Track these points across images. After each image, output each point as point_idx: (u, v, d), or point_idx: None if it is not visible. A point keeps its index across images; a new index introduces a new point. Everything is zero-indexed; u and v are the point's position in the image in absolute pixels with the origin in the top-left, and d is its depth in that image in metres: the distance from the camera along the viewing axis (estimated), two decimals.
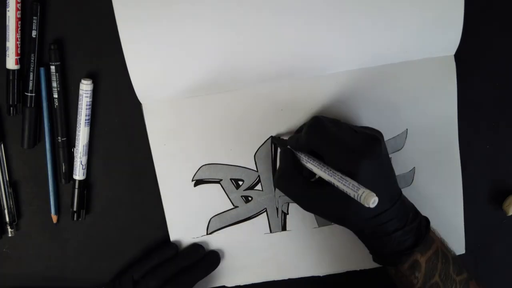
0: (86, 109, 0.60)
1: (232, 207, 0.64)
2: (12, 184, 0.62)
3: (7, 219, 0.62)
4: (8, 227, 0.62)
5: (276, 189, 0.63)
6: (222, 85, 0.60)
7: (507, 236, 0.67)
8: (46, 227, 0.63)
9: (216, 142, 0.62)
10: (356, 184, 0.48)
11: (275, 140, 0.62)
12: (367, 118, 0.62)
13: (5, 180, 0.62)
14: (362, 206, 0.47)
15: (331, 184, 0.51)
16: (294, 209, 0.64)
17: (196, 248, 0.63)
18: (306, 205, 0.55)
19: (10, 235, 0.62)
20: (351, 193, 0.48)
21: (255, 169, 0.63)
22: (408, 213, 0.55)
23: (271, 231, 0.64)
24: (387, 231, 0.53)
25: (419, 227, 0.55)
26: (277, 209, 0.64)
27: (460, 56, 0.62)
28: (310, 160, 0.54)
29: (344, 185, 0.49)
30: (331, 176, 0.51)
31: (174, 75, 0.59)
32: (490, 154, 0.65)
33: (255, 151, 0.62)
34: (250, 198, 0.64)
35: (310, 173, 0.56)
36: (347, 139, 0.53)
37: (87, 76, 0.60)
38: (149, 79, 0.59)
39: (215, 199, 0.63)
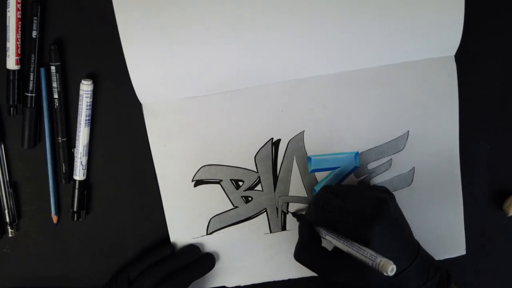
0: (87, 109, 0.60)
1: (232, 207, 0.64)
2: (12, 184, 0.62)
3: (7, 219, 0.62)
4: (8, 227, 0.62)
5: (276, 189, 0.63)
6: (223, 86, 0.60)
7: (508, 236, 0.67)
8: (46, 227, 0.63)
9: (216, 143, 0.62)
10: (373, 253, 0.48)
11: (294, 215, 0.62)
12: (368, 119, 0.62)
13: (5, 180, 0.62)
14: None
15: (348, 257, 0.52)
16: (294, 209, 0.64)
17: (192, 248, 0.63)
18: (327, 277, 0.55)
19: (10, 235, 0.62)
20: (369, 262, 0.48)
21: (255, 170, 0.63)
22: (428, 267, 0.55)
23: (271, 231, 0.64)
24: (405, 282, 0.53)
25: (441, 282, 0.55)
26: (277, 209, 0.64)
27: (461, 56, 0.62)
28: (328, 233, 0.55)
29: (361, 255, 0.49)
30: (348, 247, 0.51)
31: (174, 76, 0.59)
32: (490, 154, 0.65)
33: (255, 152, 0.62)
34: (250, 199, 0.64)
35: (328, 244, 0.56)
36: (355, 208, 0.54)
37: (87, 77, 0.60)
38: (149, 79, 0.59)
39: (215, 199, 0.63)
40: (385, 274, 0.46)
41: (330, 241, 0.54)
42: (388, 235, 0.52)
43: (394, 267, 0.46)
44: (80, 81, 0.59)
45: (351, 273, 0.53)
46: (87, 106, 0.60)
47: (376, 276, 0.52)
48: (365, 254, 0.49)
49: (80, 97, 0.60)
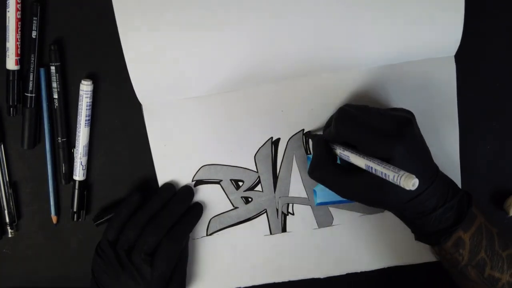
0: (86, 109, 0.60)
1: (232, 208, 0.63)
2: (12, 185, 0.62)
3: (7, 220, 0.62)
4: (8, 228, 0.62)
5: (276, 190, 0.63)
6: (222, 86, 0.60)
7: (508, 236, 0.67)
8: (46, 227, 0.63)
9: (216, 143, 0.62)
10: (395, 168, 0.48)
11: (309, 136, 0.61)
12: None
13: (5, 181, 0.62)
14: (401, 188, 0.46)
15: (366, 170, 0.51)
16: (295, 210, 0.64)
17: (167, 186, 0.61)
18: (343, 192, 0.55)
19: (10, 235, 0.62)
20: (391, 176, 0.47)
21: (255, 170, 0.63)
22: (447, 189, 0.54)
23: (271, 233, 0.64)
24: (427, 210, 0.53)
25: (461, 203, 0.54)
26: (277, 210, 0.64)
27: (461, 56, 0.62)
28: (345, 149, 0.54)
29: (384, 168, 0.48)
30: (369, 161, 0.50)
31: (174, 76, 0.59)
32: (490, 154, 0.65)
33: (255, 152, 0.62)
34: (250, 199, 0.63)
35: (342, 163, 0.56)
36: (378, 125, 0.52)
37: (87, 77, 0.60)
38: (149, 79, 0.59)
39: (215, 199, 0.63)
40: (407, 188, 0.46)
41: (346, 157, 0.53)
42: (409, 155, 0.51)
43: (417, 181, 0.45)
44: (80, 81, 0.59)
45: (369, 189, 0.52)
46: (87, 106, 0.60)
47: (394, 195, 0.52)
48: (387, 168, 0.48)
49: (80, 97, 0.60)
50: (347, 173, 0.54)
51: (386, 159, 0.50)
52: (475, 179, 0.65)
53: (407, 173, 0.46)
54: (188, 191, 0.62)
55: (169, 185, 0.62)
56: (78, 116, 0.60)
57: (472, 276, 0.55)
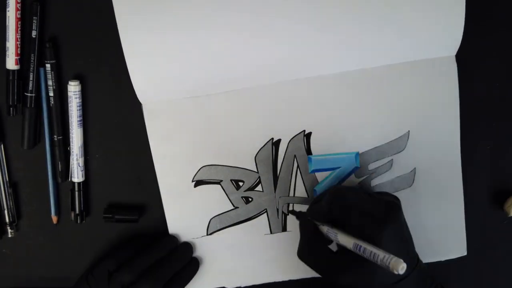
0: (77, 110, 0.59)
1: (232, 208, 0.63)
2: (12, 185, 0.62)
3: (7, 220, 0.62)
4: (8, 228, 0.62)
5: (277, 189, 0.63)
6: (223, 86, 0.60)
7: (508, 237, 0.67)
8: (45, 227, 0.63)
9: (217, 143, 0.62)
10: (383, 251, 0.48)
11: (293, 213, 0.61)
12: (368, 119, 0.62)
13: (5, 181, 0.62)
14: (385, 274, 0.48)
15: (353, 253, 0.51)
16: (295, 209, 0.64)
17: (170, 238, 0.63)
18: (332, 277, 0.54)
19: (9, 235, 0.62)
20: (381, 256, 0.48)
21: (256, 170, 0.63)
22: (425, 278, 0.55)
23: (271, 232, 0.64)
24: None
25: None
26: (277, 210, 0.64)
27: (461, 56, 0.61)
28: (334, 230, 0.54)
29: (374, 248, 0.49)
30: (358, 241, 0.51)
31: (175, 75, 0.58)
32: (491, 155, 0.65)
33: (255, 153, 0.62)
34: (250, 199, 0.63)
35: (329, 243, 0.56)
36: (368, 207, 0.54)
37: (75, 77, 0.60)
38: (149, 79, 0.58)
39: (215, 199, 0.63)
40: (395, 272, 0.46)
41: (335, 238, 0.54)
42: (397, 239, 0.53)
43: (405, 265, 0.46)
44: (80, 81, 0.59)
45: (357, 273, 0.53)
46: (77, 106, 0.59)
47: (379, 279, 0.52)
48: (375, 251, 0.49)
49: (70, 99, 0.59)
50: (335, 256, 0.54)
51: (374, 242, 0.51)
52: (475, 179, 0.65)
53: (396, 257, 0.47)
54: (188, 248, 0.63)
55: (173, 238, 0.63)
56: (70, 118, 0.60)
57: None
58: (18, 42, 0.58)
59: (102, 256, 0.62)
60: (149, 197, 0.63)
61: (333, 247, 0.55)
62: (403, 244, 0.54)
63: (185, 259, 0.63)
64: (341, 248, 0.54)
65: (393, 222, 0.53)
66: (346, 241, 0.52)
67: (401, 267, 0.46)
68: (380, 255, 0.48)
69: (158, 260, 0.61)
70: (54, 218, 0.63)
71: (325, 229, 0.55)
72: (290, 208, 0.64)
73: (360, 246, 0.50)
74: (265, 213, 0.64)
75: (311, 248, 0.56)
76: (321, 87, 0.61)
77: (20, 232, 0.63)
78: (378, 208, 0.54)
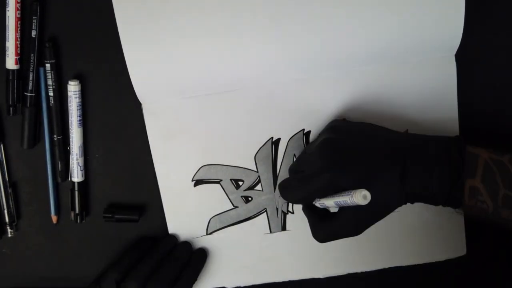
0: (77, 109, 0.59)
1: (232, 207, 0.63)
2: (12, 184, 0.62)
3: (7, 220, 0.62)
4: (8, 228, 0.62)
5: (276, 189, 0.63)
6: (222, 86, 0.60)
7: (508, 236, 0.67)
8: (45, 227, 0.63)
9: (216, 143, 0.62)
10: (346, 192, 0.48)
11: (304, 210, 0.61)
12: (367, 119, 0.62)
13: (5, 180, 0.62)
14: (389, 189, 0.46)
15: (341, 208, 0.52)
16: (294, 209, 0.64)
17: (170, 239, 0.63)
18: (351, 232, 0.54)
19: (9, 235, 0.62)
20: (347, 201, 0.48)
21: (255, 170, 0.63)
22: (425, 153, 0.51)
23: (271, 231, 0.64)
24: (421, 188, 0.51)
25: (449, 154, 0.51)
26: (277, 209, 0.64)
27: (461, 56, 0.61)
28: (318, 200, 0.55)
29: (338, 197, 0.50)
30: (328, 199, 0.52)
31: (174, 75, 0.58)
32: None
33: (255, 152, 0.62)
34: (250, 198, 0.63)
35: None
36: (311, 168, 0.53)
37: (75, 77, 0.60)
38: (149, 79, 0.58)
39: (215, 199, 0.63)
40: (362, 203, 0.45)
41: (323, 205, 0.55)
42: (346, 164, 0.50)
43: (367, 193, 0.45)
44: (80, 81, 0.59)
45: (365, 212, 0.51)
46: (77, 106, 0.59)
47: (390, 198, 0.51)
48: (340, 195, 0.49)
49: (69, 99, 0.59)
50: (341, 216, 0.53)
51: (339, 187, 0.50)
52: None
53: (354, 191, 0.46)
54: (187, 244, 0.63)
55: (172, 237, 0.63)
56: (70, 118, 0.60)
57: (509, 217, 0.51)
58: (18, 42, 0.58)
59: (107, 266, 0.62)
60: (149, 197, 0.63)
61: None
62: (361, 157, 0.51)
63: (185, 254, 0.62)
64: (340, 209, 0.53)
65: (329, 161, 0.50)
66: (329, 203, 0.53)
67: (362, 196, 0.45)
68: (345, 198, 0.47)
69: (160, 261, 0.61)
70: (54, 218, 0.63)
71: (316, 203, 0.56)
72: (291, 210, 0.64)
73: (335, 201, 0.50)
74: (265, 213, 0.64)
75: (320, 224, 0.55)
76: (321, 87, 0.61)
77: (20, 232, 0.63)
78: (315, 146, 0.54)
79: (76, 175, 0.61)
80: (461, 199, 0.51)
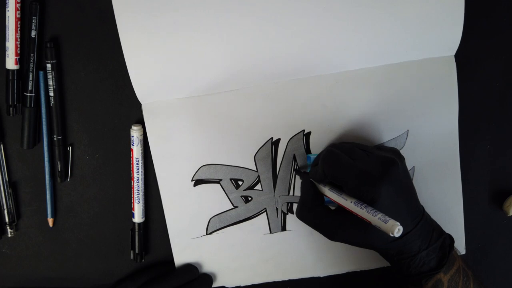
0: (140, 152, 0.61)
1: (232, 207, 0.63)
2: (12, 185, 0.62)
3: (7, 220, 0.62)
4: (8, 228, 0.62)
5: (276, 188, 0.63)
6: (222, 85, 0.60)
7: (508, 236, 0.67)
8: (45, 227, 0.63)
9: (216, 142, 0.62)
10: (379, 213, 0.48)
11: (298, 173, 0.62)
12: (368, 119, 0.62)
13: (4, 181, 0.62)
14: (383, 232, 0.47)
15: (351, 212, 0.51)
16: (294, 209, 0.64)
17: (190, 268, 0.64)
18: (329, 234, 0.55)
19: (9, 235, 0.62)
20: (375, 222, 0.48)
21: (255, 170, 0.63)
22: (431, 231, 0.55)
23: (271, 232, 0.64)
24: (411, 252, 0.53)
25: (443, 246, 0.55)
26: (277, 209, 0.64)
27: (461, 56, 0.62)
28: (332, 191, 0.54)
29: (367, 214, 0.49)
30: (354, 205, 0.51)
31: (174, 75, 0.58)
32: (490, 154, 0.65)
33: (255, 152, 0.62)
34: (250, 198, 0.63)
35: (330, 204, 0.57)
36: (363, 166, 0.52)
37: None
38: (149, 79, 0.58)
39: (214, 199, 0.63)
40: (391, 235, 0.46)
41: (333, 199, 0.54)
42: (394, 196, 0.51)
43: (401, 228, 0.45)
44: (80, 80, 0.59)
45: (354, 231, 0.52)
46: (140, 150, 0.61)
47: (378, 236, 0.52)
48: (371, 213, 0.48)
49: (132, 142, 0.61)
50: (333, 215, 0.54)
51: (371, 200, 0.50)
52: (475, 179, 0.65)
53: (391, 220, 0.46)
54: (208, 280, 0.64)
55: (194, 268, 0.64)
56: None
57: None
58: (18, 42, 0.58)
59: (120, 279, 0.64)
60: (148, 197, 0.63)
61: (332, 206, 0.56)
62: (403, 201, 0.53)
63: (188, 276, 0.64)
64: (340, 207, 0.54)
65: (390, 179, 0.51)
66: (343, 203, 0.52)
67: (396, 230, 0.45)
68: (374, 218, 0.47)
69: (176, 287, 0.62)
70: (50, 221, 0.62)
71: (325, 190, 0.55)
72: (289, 208, 0.64)
73: (357, 206, 0.50)
74: (265, 213, 0.64)
75: (310, 206, 0.56)
76: (321, 87, 0.61)
77: (20, 232, 0.63)
78: (373, 166, 0.52)
79: (137, 216, 0.63)
80: (425, 282, 0.54)
